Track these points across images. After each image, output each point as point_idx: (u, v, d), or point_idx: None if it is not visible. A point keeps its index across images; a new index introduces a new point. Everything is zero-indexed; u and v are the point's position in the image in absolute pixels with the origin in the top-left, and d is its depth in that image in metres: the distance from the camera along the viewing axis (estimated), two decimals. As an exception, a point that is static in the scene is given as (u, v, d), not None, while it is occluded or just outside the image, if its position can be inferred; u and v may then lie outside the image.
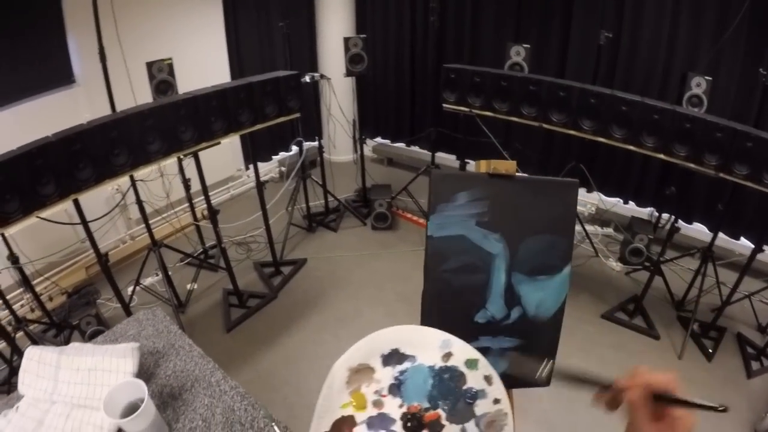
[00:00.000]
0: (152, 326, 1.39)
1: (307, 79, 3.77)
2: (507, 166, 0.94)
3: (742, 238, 3.62)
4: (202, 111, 2.49)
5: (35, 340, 2.58)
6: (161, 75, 2.78)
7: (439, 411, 0.98)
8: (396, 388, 1.00)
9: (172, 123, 2.40)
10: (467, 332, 1.02)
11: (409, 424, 0.96)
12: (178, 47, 3.61)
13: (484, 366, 1.04)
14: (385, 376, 1.01)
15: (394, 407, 0.97)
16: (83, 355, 1.21)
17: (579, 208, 4.00)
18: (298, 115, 2.98)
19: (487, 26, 4.16)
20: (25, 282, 2.78)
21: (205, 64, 3.96)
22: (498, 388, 1.00)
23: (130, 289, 3.21)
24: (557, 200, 0.99)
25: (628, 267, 3.65)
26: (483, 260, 0.96)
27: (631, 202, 4.08)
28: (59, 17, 3.08)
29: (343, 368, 0.98)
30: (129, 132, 2.26)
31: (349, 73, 3.78)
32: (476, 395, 1.01)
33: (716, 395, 2.66)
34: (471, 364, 1.05)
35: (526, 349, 1.05)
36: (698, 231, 3.76)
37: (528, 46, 3.22)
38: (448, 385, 1.02)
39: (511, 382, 1.13)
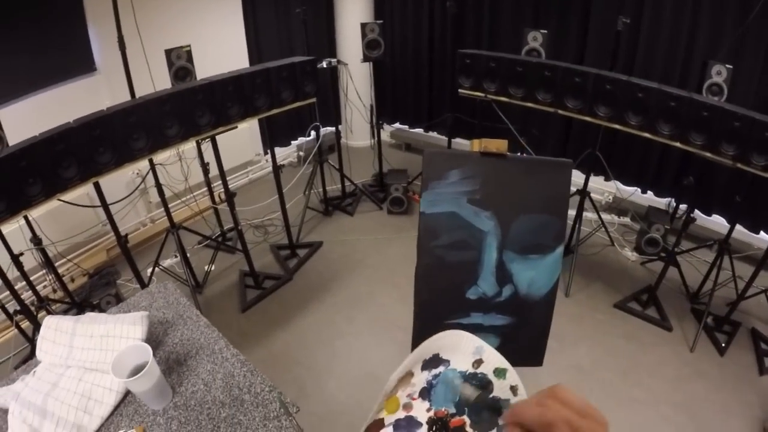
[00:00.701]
0: (163, 298, 1.45)
1: (324, 64, 3.80)
2: (498, 144, 0.95)
3: (761, 232, 3.55)
4: (219, 96, 2.54)
5: (59, 317, 2.67)
6: (180, 62, 2.83)
7: (465, 418, 1.00)
8: (426, 392, 1.02)
9: (190, 108, 2.45)
10: (459, 308, 1.05)
11: (434, 428, 0.98)
12: (197, 34, 3.68)
13: (512, 376, 1.06)
14: (420, 379, 1.04)
15: (422, 411, 0.99)
16: (97, 323, 1.27)
17: (596, 196, 3.98)
18: (314, 100, 3.01)
19: (506, 12, 4.13)
20: (48, 263, 2.88)
21: (223, 51, 4.02)
22: (523, 400, 1.02)
23: (150, 270, 3.29)
24: (550, 180, 1.00)
25: (644, 257, 3.62)
26: (474, 237, 0.98)
27: (649, 191, 4.03)
28: (80, 7, 3.16)
29: (392, 381, 1.01)
30: (147, 117, 2.31)
31: (366, 59, 3.80)
32: (501, 405, 1.03)
33: (727, 390, 2.64)
34: (499, 373, 1.07)
35: (519, 327, 1.07)
36: (716, 223, 3.70)
37: (545, 31, 3.18)
38: (476, 392, 1.04)
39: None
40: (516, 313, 1.07)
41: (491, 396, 1.03)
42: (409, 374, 1.04)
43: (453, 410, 1.00)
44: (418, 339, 1.07)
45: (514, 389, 1.03)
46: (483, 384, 1.05)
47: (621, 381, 2.69)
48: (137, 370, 1.07)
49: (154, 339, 1.29)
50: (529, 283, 1.04)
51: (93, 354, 1.22)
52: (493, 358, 1.08)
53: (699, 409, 2.54)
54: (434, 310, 1.05)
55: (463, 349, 1.09)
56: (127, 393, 1.17)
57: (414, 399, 1.00)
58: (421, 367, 1.05)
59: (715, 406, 2.56)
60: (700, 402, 2.58)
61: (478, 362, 1.08)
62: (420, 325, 1.06)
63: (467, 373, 1.06)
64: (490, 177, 0.97)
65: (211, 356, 1.23)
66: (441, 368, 1.06)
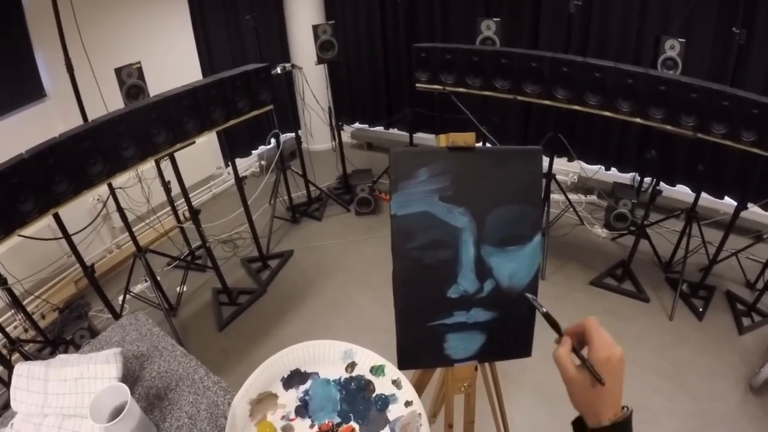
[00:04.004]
0: (135, 330, 1.39)
1: (279, 70, 3.74)
2: (466, 138, 0.93)
3: (725, 197, 3.64)
4: (174, 112, 2.47)
5: (31, 360, 2.57)
6: (131, 80, 2.75)
7: (353, 424, 0.98)
8: (303, 409, 1.01)
9: (145, 127, 2.38)
10: (441, 309, 1.03)
11: None
12: (148, 51, 3.58)
13: (391, 370, 1.05)
14: (290, 399, 1.02)
15: (305, 429, 0.97)
16: (69, 365, 1.21)
17: (561, 177, 4.02)
18: (271, 107, 2.95)
19: (457, 2, 4.14)
20: (16, 303, 2.75)
21: (175, 65, 3.92)
22: (408, 391, 1.02)
23: (120, 298, 3.20)
24: (521, 169, 0.98)
25: (614, 233, 3.68)
26: (449, 235, 0.96)
27: (612, 168, 4.10)
28: (24, 32, 3.03)
29: (242, 403, 0.98)
30: (102, 140, 2.23)
31: (320, 61, 3.76)
32: (387, 401, 1.01)
33: (710, 353, 2.71)
34: (377, 370, 1.06)
35: (504, 320, 1.05)
36: (682, 193, 3.79)
37: (498, 19, 3.20)
38: (357, 396, 1.03)
39: (492, 354, 1.14)
40: (499, 307, 1.06)
41: (374, 395, 1.02)
42: (271, 395, 1.02)
43: (337, 419, 0.99)
44: (402, 343, 1.05)
45: (396, 383, 1.03)
46: (363, 386, 1.04)
47: (605, 356, 2.71)
48: (117, 411, 1.02)
49: (130, 375, 1.23)
50: (510, 275, 1.02)
51: (69, 399, 1.16)
52: (366, 358, 1.07)
53: (685, 375, 2.60)
54: (416, 313, 1.03)
55: (330, 358, 1.08)
56: (109, 436, 1.12)
57: (292, 420, 0.99)
58: (283, 386, 1.03)
59: (700, 370, 2.62)
60: (686, 367, 2.64)
61: (352, 366, 1.07)
62: (402, 329, 1.04)
63: (342, 380, 1.05)
64: (460, 172, 0.95)
65: (192, 387, 1.18)
66: (309, 382, 1.04)
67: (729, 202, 3.60)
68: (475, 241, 0.97)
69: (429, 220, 0.94)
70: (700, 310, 2.95)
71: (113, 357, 1.20)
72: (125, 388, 1.02)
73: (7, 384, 2.56)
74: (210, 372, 1.20)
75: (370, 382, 1.05)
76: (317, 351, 1.08)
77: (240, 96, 2.75)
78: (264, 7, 4.53)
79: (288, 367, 1.06)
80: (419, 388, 1.24)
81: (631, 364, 2.64)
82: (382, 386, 1.04)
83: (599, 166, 4.05)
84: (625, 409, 0.75)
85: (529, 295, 0.98)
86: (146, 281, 3.42)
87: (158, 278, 3.20)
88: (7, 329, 2.68)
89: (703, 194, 3.08)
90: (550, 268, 3.36)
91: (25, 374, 1.21)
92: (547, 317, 0.85)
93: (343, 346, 1.09)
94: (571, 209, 3.77)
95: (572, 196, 3.99)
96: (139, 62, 2.78)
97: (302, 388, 1.05)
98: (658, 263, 3.36)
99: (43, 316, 3.26)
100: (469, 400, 1.24)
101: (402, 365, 1.03)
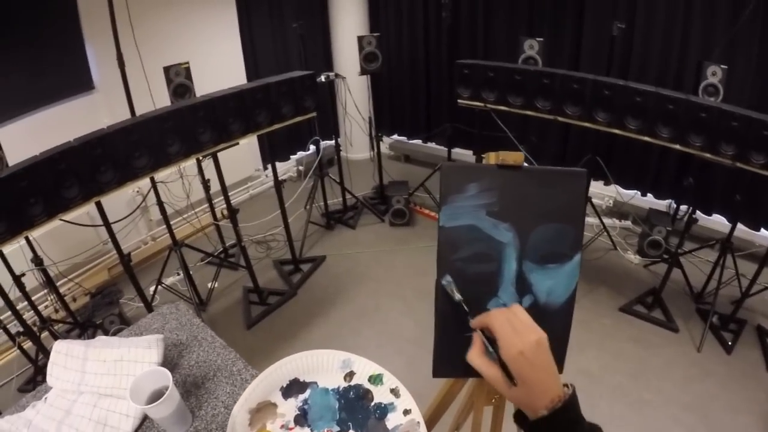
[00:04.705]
0: (176, 319, 1.44)
1: (323, 78, 3.80)
2: (515, 157, 0.95)
3: (762, 230, 3.57)
4: (220, 112, 2.54)
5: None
6: (179, 79, 2.84)
7: None
8: (302, 418, 1.03)
9: (191, 125, 2.45)
10: (480, 321, 1.04)
11: None
12: (195, 51, 3.68)
13: (390, 379, 1.06)
14: (289, 408, 1.04)
15: None
16: (109, 347, 1.25)
17: (596, 201, 3.99)
18: (314, 114, 3.01)
19: (500, 21, 4.17)
20: (49, 283, 2.86)
21: (221, 67, 4.03)
22: (406, 399, 1.03)
23: (152, 288, 3.28)
24: (565, 189, 1.00)
25: (647, 259, 3.62)
26: (494, 249, 0.97)
27: (649, 194, 4.05)
28: (77, 25, 3.17)
29: (242, 412, 1.01)
30: (149, 135, 2.31)
31: (363, 72, 3.81)
32: (386, 410, 1.03)
33: (735, 388, 2.65)
34: (375, 379, 1.08)
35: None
36: (717, 222, 3.72)
37: (541, 39, 3.21)
38: (355, 405, 1.04)
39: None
40: (536, 323, 1.06)
41: (373, 404, 1.03)
42: (270, 405, 1.04)
43: (336, 428, 1.01)
44: (439, 351, 1.06)
45: (395, 391, 1.04)
46: (361, 395, 1.05)
47: (630, 384, 2.68)
48: (155, 395, 1.06)
49: (169, 362, 1.27)
50: (548, 292, 1.03)
51: (107, 379, 1.20)
52: (365, 367, 1.09)
53: (709, 409, 2.54)
54: (455, 323, 1.05)
55: (328, 367, 1.09)
56: (145, 419, 1.15)
57: (291, 429, 1.01)
58: (282, 395, 1.05)
59: (724, 405, 2.56)
60: (710, 401, 2.58)
61: (350, 375, 1.08)
62: (440, 337, 1.06)
63: (341, 389, 1.06)
64: (507, 189, 0.96)
65: (230, 378, 1.21)
66: (308, 392, 1.06)
67: (765, 235, 3.53)
68: (518, 257, 0.99)
69: (475, 234, 0.96)
70: (729, 343, 2.88)
71: (155, 342, 1.24)
72: (167, 372, 1.06)
73: (33, 360, 2.67)
74: (249, 366, 1.23)
75: (368, 391, 1.07)
76: (316, 360, 1.11)
77: (285, 101, 2.81)
78: (309, 16, 4.63)
79: (287, 377, 1.09)
80: (448, 398, 1.26)
81: (655, 393, 2.62)
82: (380, 395, 1.06)
83: (635, 191, 4.00)
84: (567, 388, 0.72)
85: (445, 279, 0.96)
86: (179, 274, 3.51)
87: (191, 272, 3.27)
88: (39, 308, 2.78)
89: (739, 225, 3.03)
90: (579, 292, 3.28)
91: (64, 352, 1.25)
92: (460, 306, 0.86)
93: (341, 355, 1.11)
94: (605, 233, 3.74)
95: (607, 220, 3.96)
96: (188, 62, 2.87)
97: (301, 397, 1.07)
98: (690, 293, 3.30)
99: (74, 299, 3.38)
100: (498, 414, 1.25)
101: (436, 373, 1.05)
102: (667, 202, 3.97)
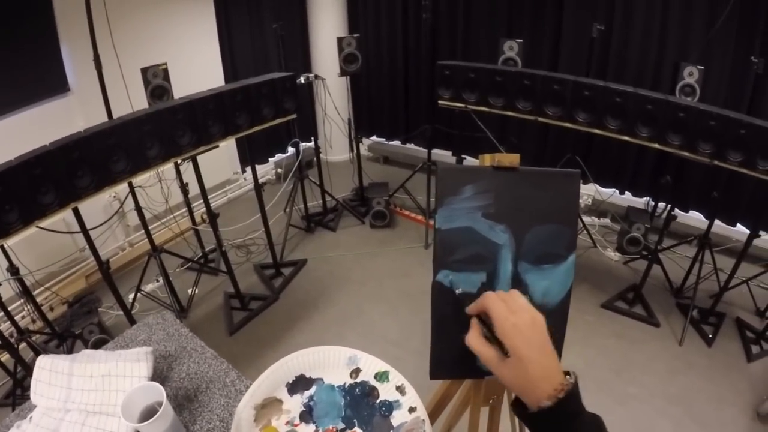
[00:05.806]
0: (162, 330, 1.40)
1: (302, 80, 3.77)
2: (511, 158, 0.95)
3: (738, 225, 3.65)
4: (200, 115, 2.49)
5: (38, 351, 2.57)
6: (156, 80, 2.78)
7: (356, 429, 0.99)
8: (307, 415, 1.02)
9: (170, 128, 2.40)
10: (477, 322, 1.04)
11: None
12: (172, 52, 3.61)
13: (396, 376, 1.06)
14: (294, 404, 1.03)
15: None
16: (96, 362, 1.20)
17: (575, 199, 4.02)
18: (294, 116, 2.98)
19: (480, 22, 4.19)
20: (26, 293, 2.77)
21: (199, 68, 3.97)
22: (412, 397, 1.03)
23: (131, 296, 3.21)
24: (560, 190, 1.00)
25: (626, 256, 3.68)
26: (489, 251, 0.97)
27: (627, 192, 4.11)
28: (52, 26, 3.08)
29: (247, 408, 0.99)
30: (127, 138, 2.25)
31: (343, 73, 3.79)
32: (391, 407, 1.03)
33: (718, 379, 2.71)
34: (381, 376, 1.08)
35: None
36: (695, 219, 3.80)
37: (521, 40, 3.23)
38: (361, 402, 1.04)
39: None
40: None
41: (378, 401, 1.03)
42: (276, 401, 1.03)
43: (341, 425, 1.00)
44: (436, 353, 1.06)
45: (400, 389, 1.04)
46: (367, 392, 1.05)
47: (615, 379, 2.72)
48: (147, 411, 1.02)
49: (158, 375, 1.22)
50: (544, 292, 1.04)
51: (94, 396, 1.16)
52: (371, 364, 1.08)
53: (693, 400, 2.59)
54: (452, 324, 1.04)
55: (334, 364, 1.09)
56: (136, 436, 1.12)
57: (296, 425, 1.00)
58: (288, 392, 1.04)
59: (707, 396, 2.61)
60: (694, 393, 2.64)
61: (356, 372, 1.08)
62: (437, 339, 1.06)
63: (346, 386, 1.06)
64: (503, 190, 0.97)
65: (223, 390, 1.18)
66: (314, 388, 1.05)
67: (742, 230, 3.61)
68: (513, 258, 0.99)
69: (471, 236, 0.96)
70: (710, 336, 2.95)
71: (144, 355, 1.19)
72: (160, 388, 1.01)
73: (11, 373, 2.59)
74: (242, 376, 1.20)
75: (374, 388, 1.06)
76: (322, 357, 1.10)
77: (265, 103, 2.77)
78: (289, 17, 4.58)
79: (293, 373, 1.08)
80: (444, 399, 1.25)
81: (640, 387, 2.66)
82: (386, 392, 1.05)
83: (614, 189, 4.06)
84: (569, 376, 0.70)
85: (442, 274, 0.97)
86: (158, 281, 3.44)
87: (170, 278, 3.21)
88: (16, 318, 2.70)
89: (717, 221, 3.10)
90: (561, 289, 3.36)
91: (48, 367, 1.20)
92: (460, 300, 0.87)
93: (347, 351, 1.11)
94: (585, 231, 3.78)
95: (586, 219, 4.01)
96: (166, 63, 2.81)
97: (307, 393, 1.06)
98: (670, 288, 3.36)
99: (51, 309, 3.28)
100: (494, 415, 1.25)
101: (434, 375, 1.04)
102: (644, 199, 4.03)
